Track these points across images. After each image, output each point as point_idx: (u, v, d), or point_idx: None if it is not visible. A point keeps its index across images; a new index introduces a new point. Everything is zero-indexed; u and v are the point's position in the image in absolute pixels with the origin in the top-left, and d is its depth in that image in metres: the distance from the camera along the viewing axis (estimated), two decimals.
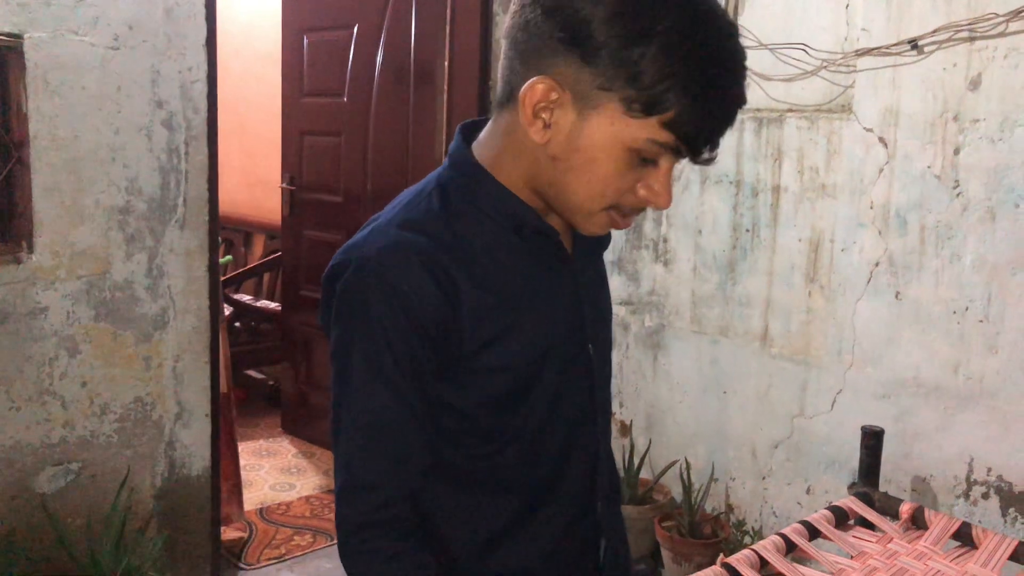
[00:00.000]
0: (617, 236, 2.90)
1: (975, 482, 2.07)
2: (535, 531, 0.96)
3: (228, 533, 2.83)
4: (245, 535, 2.93)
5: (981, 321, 2.03)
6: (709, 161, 0.83)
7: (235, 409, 2.92)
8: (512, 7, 0.84)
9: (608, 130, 0.79)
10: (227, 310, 3.77)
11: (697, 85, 0.76)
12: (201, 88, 2.35)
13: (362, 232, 0.89)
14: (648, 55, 0.75)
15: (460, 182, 0.90)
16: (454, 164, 0.92)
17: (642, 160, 0.81)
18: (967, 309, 2.05)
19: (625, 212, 0.86)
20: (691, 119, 0.77)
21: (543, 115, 0.81)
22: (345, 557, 0.88)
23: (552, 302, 0.93)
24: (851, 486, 1.52)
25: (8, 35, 2.04)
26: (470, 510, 0.94)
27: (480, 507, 0.94)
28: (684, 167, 2.68)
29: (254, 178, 5.02)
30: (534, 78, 0.80)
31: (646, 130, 0.78)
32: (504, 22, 0.88)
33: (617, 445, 2.92)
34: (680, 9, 0.76)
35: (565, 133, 0.81)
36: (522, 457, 0.94)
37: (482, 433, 0.92)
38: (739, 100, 0.79)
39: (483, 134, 0.93)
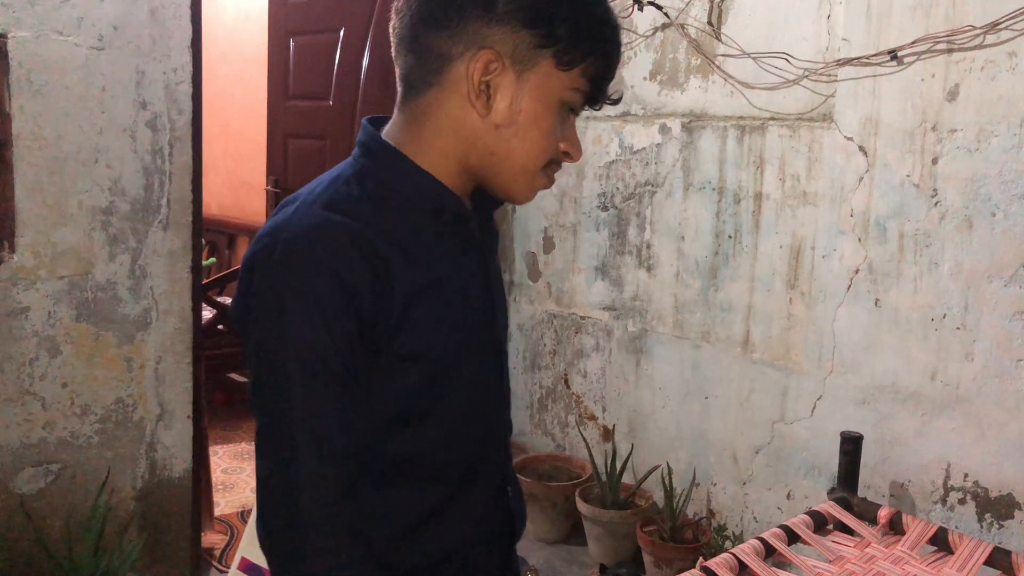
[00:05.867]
0: (601, 242, 2.92)
1: (952, 487, 2.09)
2: (454, 518, 0.96)
3: (208, 537, 2.82)
4: (226, 537, 2.92)
5: (958, 328, 2.05)
6: (616, 102, 0.93)
7: (217, 410, 2.90)
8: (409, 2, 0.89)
9: (546, 85, 0.87)
10: (210, 313, 3.75)
11: (604, 36, 0.88)
12: (186, 89, 2.34)
13: (281, 215, 0.87)
14: (575, 11, 0.86)
15: (376, 168, 0.90)
16: (368, 151, 0.91)
17: (570, 111, 0.90)
18: (944, 316, 2.08)
19: (551, 168, 0.93)
20: (601, 66, 0.89)
21: (487, 87, 0.86)
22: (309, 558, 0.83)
23: (470, 288, 0.94)
24: (830, 491, 1.54)
25: None
26: (391, 503, 0.92)
27: (401, 499, 0.92)
28: (668, 174, 2.70)
29: (239, 180, 5.01)
30: (475, 52, 0.85)
31: (572, 80, 0.87)
32: (397, 16, 0.92)
33: (599, 450, 2.93)
34: None
35: (508, 99, 0.87)
36: (446, 444, 0.93)
37: (407, 420, 0.90)
38: (620, 51, 0.92)
39: (390, 126, 0.94)
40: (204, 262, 3.33)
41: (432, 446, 0.92)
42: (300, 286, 0.80)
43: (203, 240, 2.55)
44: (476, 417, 0.97)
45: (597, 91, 0.90)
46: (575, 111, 0.91)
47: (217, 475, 3.30)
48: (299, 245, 0.81)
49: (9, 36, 2.05)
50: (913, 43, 2.08)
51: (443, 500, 0.95)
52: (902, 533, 1.34)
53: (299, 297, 0.80)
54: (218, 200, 5.02)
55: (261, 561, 1.02)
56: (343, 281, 0.80)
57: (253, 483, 3.40)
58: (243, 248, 5.06)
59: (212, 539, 2.85)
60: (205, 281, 3.25)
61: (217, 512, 3.02)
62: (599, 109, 0.92)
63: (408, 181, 0.90)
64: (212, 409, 3.20)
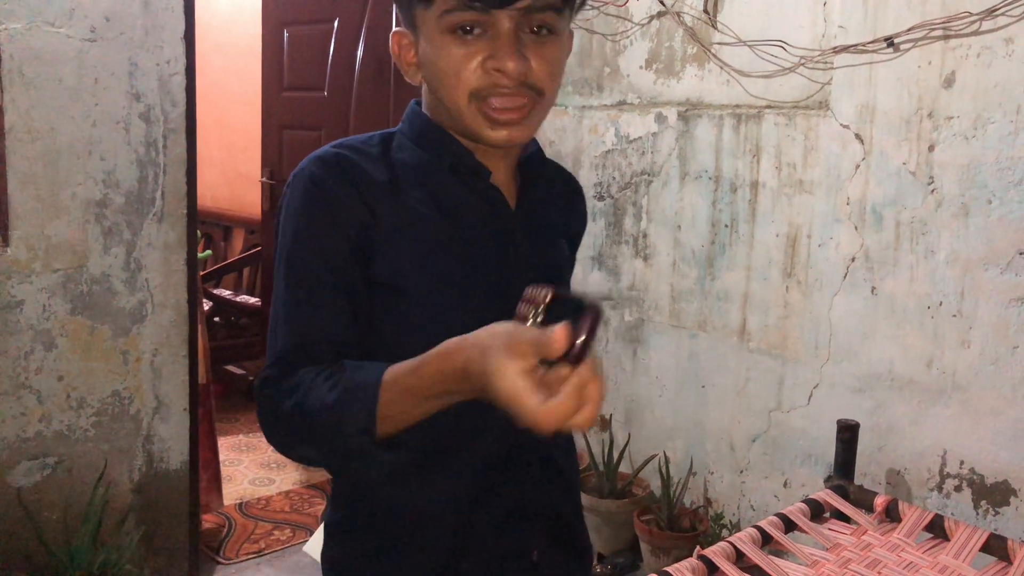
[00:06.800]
0: (597, 231, 2.91)
1: (948, 475, 2.10)
2: (421, 490, 0.95)
3: (205, 523, 2.82)
4: (224, 528, 2.92)
5: (954, 316, 2.06)
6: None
7: (214, 402, 2.91)
8: None
9: (426, 28, 0.90)
10: (207, 305, 3.74)
11: None
12: (179, 81, 2.33)
13: None
14: None
15: (409, 130, 0.99)
16: (407, 118, 1.00)
17: (465, 33, 0.87)
18: (940, 304, 2.08)
19: (485, 95, 0.88)
20: None
21: (408, 61, 0.95)
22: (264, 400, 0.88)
23: (477, 244, 0.96)
24: (827, 479, 1.54)
25: None
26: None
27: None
28: (665, 163, 2.69)
29: (234, 172, 4.99)
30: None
31: (437, 7, 0.87)
32: None
33: (596, 439, 2.93)
34: None
35: (422, 60, 0.93)
36: None
37: (393, 356, 0.86)
38: None
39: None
40: (200, 254, 3.32)
41: None
42: (293, 205, 0.91)
43: (199, 232, 2.54)
44: None
45: None
46: (467, 30, 0.87)
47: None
48: (299, 172, 0.93)
49: (0, 28, 2.04)
50: (909, 30, 2.07)
51: (409, 464, 0.92)
52: (898, 520, 1.34)
53: (290, 215, 0.91)
54: (213, 192, 5.00)
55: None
56: (328, 201, 0.90)
57: (251, 475, 3.41)
58: (239, 240, 5.04)
59: (210, 527, 2.85)
60: (202, 273, 3.25)
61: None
62: (469, 8, 0.85)
63: (432, 139, 0.96)
64: (211, 400, 3.20)
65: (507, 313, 0.91)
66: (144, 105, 2.28)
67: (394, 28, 0.96)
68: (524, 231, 1.00)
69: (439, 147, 0.96)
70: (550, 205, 1.07)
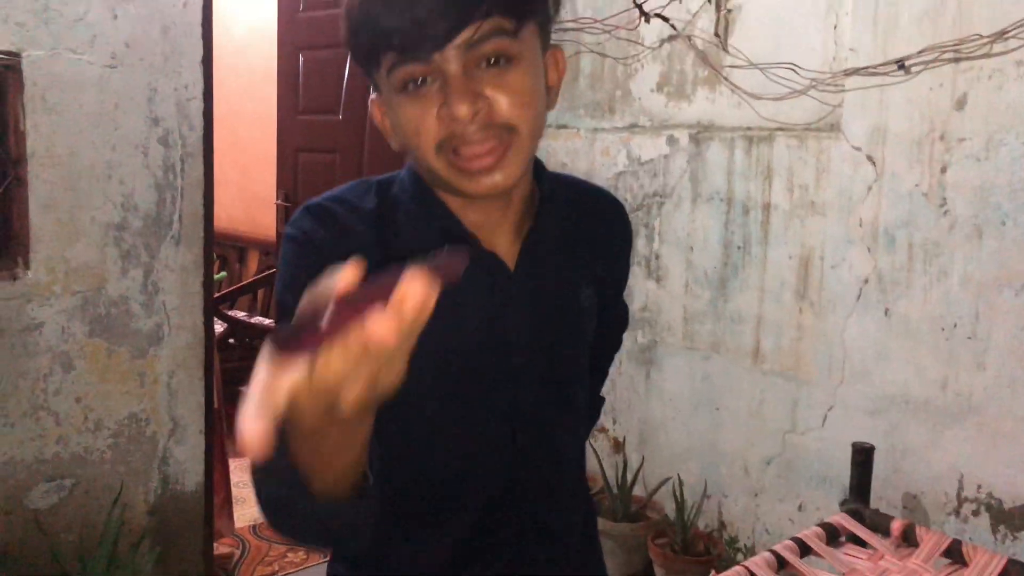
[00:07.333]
0: None
1: (965, 499, 2.08)
2: (419, 547, 0.92)
3: (219, 548, 2.82)
4: (238, 551, 2.93)
5: (969, 338, 2.05)
6: (409, 48, 0.79)
7: (227, 425, 2.92)
8: None
9: (388, 93, 0.84)
10: (221, 326, 3.77)
11: (354, 26, 0.83)
12: (197, 105, 2.37)
13: None
14: (349, 28, 0.85)
15: (401, 190, 0.92)
16: (405, 174, 0.94)
17: (417, 86, 0.80)
18: (955, 326, 2.07)
19: (451, 146, 0.81)
20: (367, 32, 0.81)
21: (386, 128, 0.89)
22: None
23: (468, 311, 0.88)
24: (842, 503, 1.53)
25: (6, 53, 2.05)
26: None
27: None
28: (676, 185, 2.70)
29: (249, 194, 5.04)
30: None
31: (387, 64, 0.81)
32: None
33: (610, 462, 2.93)
34: None
35: (392, 125, 0.87)
36: (407, 456, 0.89)
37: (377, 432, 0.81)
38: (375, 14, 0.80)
39: None
40: (215, 276, 3.36)
41: (390, 452, 0.82)
42: (284, 259, 0.88)
43: (214, 254, 2.57)
44: (436, 457, 0.90)
45: (399, 49, 0.79)
46: (418, 83, 0.80)
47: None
48: (288, 225, 0.89)
49: (23, 55, 2.08)
50: (920, 52, 2.08)
51: (388, 535, 0.86)
52: (916, 545, 1.34)
53: (280, 269, 0.89)
54: (228, 213, 5.05)
55: None
56: (318, 250, 0.85)
57: None
58: (253, 262, 5.08)
59: (223, 551, 2.85)
60: (216, 295, 3.28)
61: None
62: (407, 61, 0.79)
63: (417, 201, 0.90)
64: (223, 423, 3.21)
65: (497, 405, 0.90)
66: (162, 129, 2.31)
67: (371, 95, 0.90)
68: (526, 297, 0.92)
69: (428, 210, 0.89)
70: (571, 247, 0.98)
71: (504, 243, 0.91)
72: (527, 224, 0.92)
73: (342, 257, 0.78)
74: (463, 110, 0.77)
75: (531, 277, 0.92)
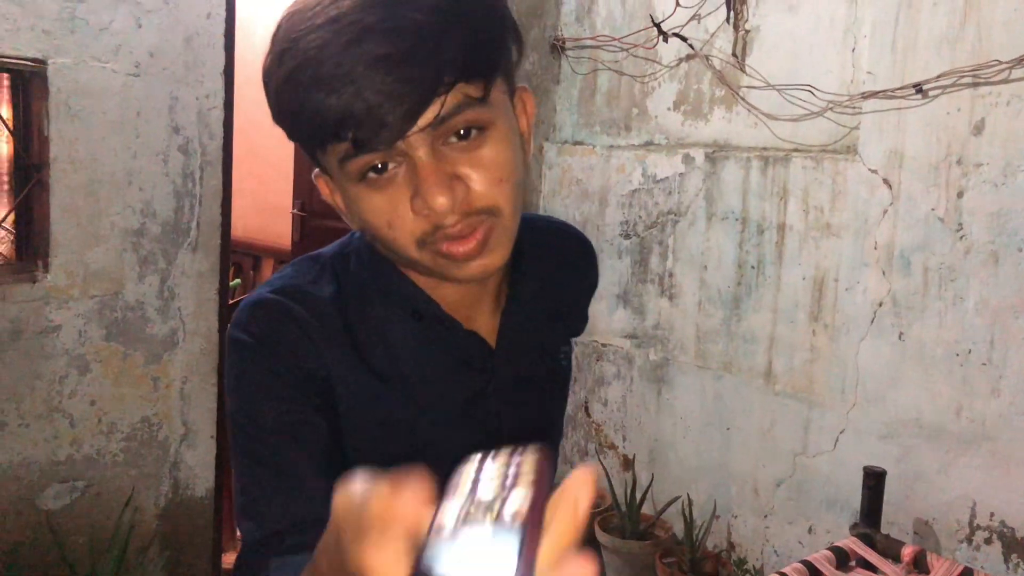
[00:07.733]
0: (622, 269, 2.92)
1: (978, 527, 2.06)
2: None
3: (228, 558, 2.82)
4: None
5: (984, 364, 2.04)
6: (362, 140, 0.68)
7: None
8: None
9: (340, 180, 0.74)
10: None
11: (298, 116, 0.71)
12: (218, 115, 2.39)
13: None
14: (278, 108, 0.75)
15: (359, 269, 0.82)
16: (355, 251, 0.84)
17: (379, 173, 0.70)
18: (970, 352, 2.06)
19: (433, 240, 0.72)
20: (308, 122, 0.70)
21: (340, 206, 0.79)
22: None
23: (452, 394, 0.84)
24: (853, 527, 1.53)
25: (33, 61, 2.09)
26: None
27: None
28: (691, 203, 2.71)
29: (265, 203, 5.07)
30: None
31: (337, 153, 0.70)
32: None
33: (619, 479, 2.92)
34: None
35: (348, 209, 0.77)
36: None
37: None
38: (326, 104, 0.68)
39: None
40: (230, 283, 3.38)
41: None
42: (233, 373, 0.77)
43: (230, 261, 2.59)
44: None
45: (353, 136, 0.68)
46: (379, 169, 0.70)
47: None
48: (232, 328, 0.78)
49: (49, 62, 2.11)
50: (938, 77, 2.08)
51: None
52: (927, 572, 1.33)
53: (232, 385, 0.77)
54: (244, 222, 5.08)
55: None
56: (276, 354, 0.76)
57: None
58: (268, 269, 5.11)
59: (232, 562, 2.86)
60: (231, 302, 3.29)
61: (238, 535, 3.03)
62: (364, 152, 0.69)
63: (382, 282, 0.81)
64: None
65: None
66: (183, 138, 2.34)
67: (315, 170, 0.80)
68: (509, 372, 0.87)
69: (399, 290, 0.81)
70: (548, 307, 0.93)
71: (483, 318, 0.85)
72: (503, 292, 0.86)
73: (310, 357, 0.75)
74: (440, 201, 0.68)
75: (513, 350, 0.87)
